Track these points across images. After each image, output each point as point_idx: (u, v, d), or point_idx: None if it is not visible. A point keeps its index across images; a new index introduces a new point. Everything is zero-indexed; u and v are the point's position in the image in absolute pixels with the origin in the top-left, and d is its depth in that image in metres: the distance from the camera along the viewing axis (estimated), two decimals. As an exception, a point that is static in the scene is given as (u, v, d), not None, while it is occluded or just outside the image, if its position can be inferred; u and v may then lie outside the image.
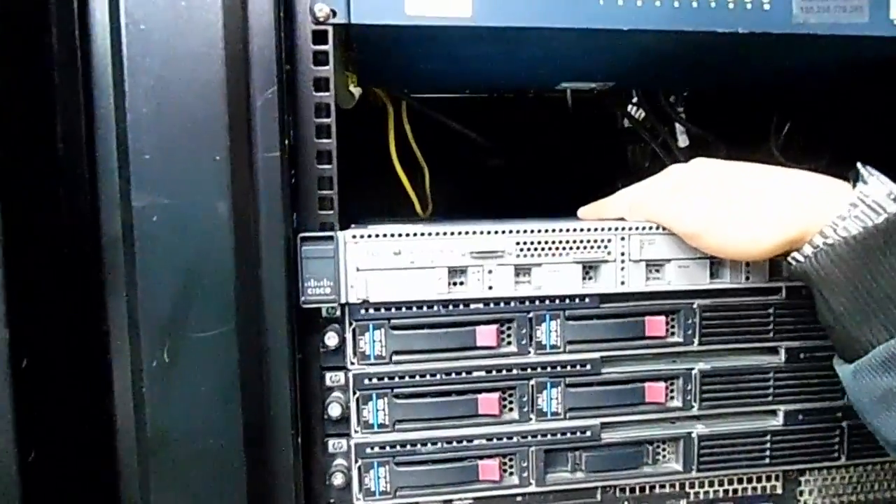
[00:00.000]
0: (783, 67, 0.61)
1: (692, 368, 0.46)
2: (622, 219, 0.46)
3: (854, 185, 0.38)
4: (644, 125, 0.83)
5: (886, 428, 0.35)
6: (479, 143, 0.84)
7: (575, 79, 0.65)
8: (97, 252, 0.37)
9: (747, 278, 0.46)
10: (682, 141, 0.82)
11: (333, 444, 0.44)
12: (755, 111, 0.79)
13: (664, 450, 0.47)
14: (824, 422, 0.48)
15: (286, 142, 0.39)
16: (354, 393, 0.43)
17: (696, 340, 0.46)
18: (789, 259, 0.40)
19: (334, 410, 0.42)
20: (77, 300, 0.38)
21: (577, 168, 1.02)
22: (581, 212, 0.52)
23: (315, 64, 0.42)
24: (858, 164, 0.40)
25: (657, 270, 0.45)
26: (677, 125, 0.82)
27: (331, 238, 0.41)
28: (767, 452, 0.47)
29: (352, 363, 0.43)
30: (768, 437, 0.47)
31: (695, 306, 0.45)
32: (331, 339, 0.42)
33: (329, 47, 0.42)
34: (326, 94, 0.42)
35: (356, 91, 0.53)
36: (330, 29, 0.42)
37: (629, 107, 0.89)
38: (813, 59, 0.56)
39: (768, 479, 0.49)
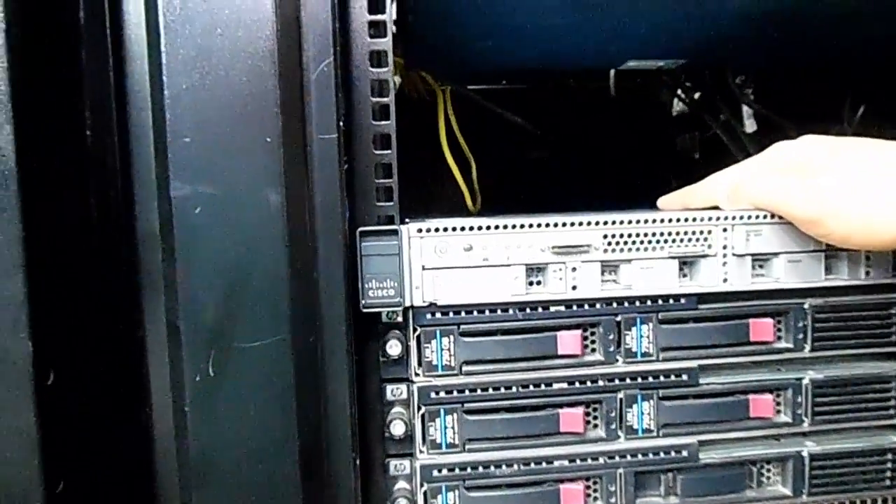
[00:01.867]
0: (858, 40, 0.55)
1: (802, 378, 0.40)
2: (715, 207, 0.41)
3: None
4: (703, 109, 0.77)
5: None
6: (527, 130, 0.79)
7: (643, 56, 0.59)
8: (132, 250, 0.32)
9: (868, 273, 0.40)
10: (750, 126, 0.76)
11: (395, 466, 0.39)
12: (827, 93, 0.73)
13: (769, 471, 0.41)
14: (955, 438, 0.41)
15: (341, 123, 0.34)
16: (419, 408, 0.38)
17: (807, 346, 0.40)
18: None
19: (397, 428, 0.37)
20: (109, 305, 0.33)
21: (622, 159, 0.96)
22: (662, 202, 0.47)
23: (371, 36, 0.37)
24: None
25: (763, 266, 0.39)
26: (744, 108, 0.75)
27: (395, 232, 0.35)
28: (888, 473, 0.41)
29: (416, 374, 0.38)
30: (889, 456, 0.41)
31: (806, 306, 0.40)
32: (393, 348, 0.37)
33: (387, 17, 0.37)
34: (384, 69, 0.37)
35: (397, 80, 0.48)
36: (388, -4, 0.37)
37: (679, 91, 0.83)
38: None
39: (886, 503, 0.42)
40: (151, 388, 0.33)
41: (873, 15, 0.47)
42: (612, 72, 0.80)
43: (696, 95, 0.79)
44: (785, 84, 0.76)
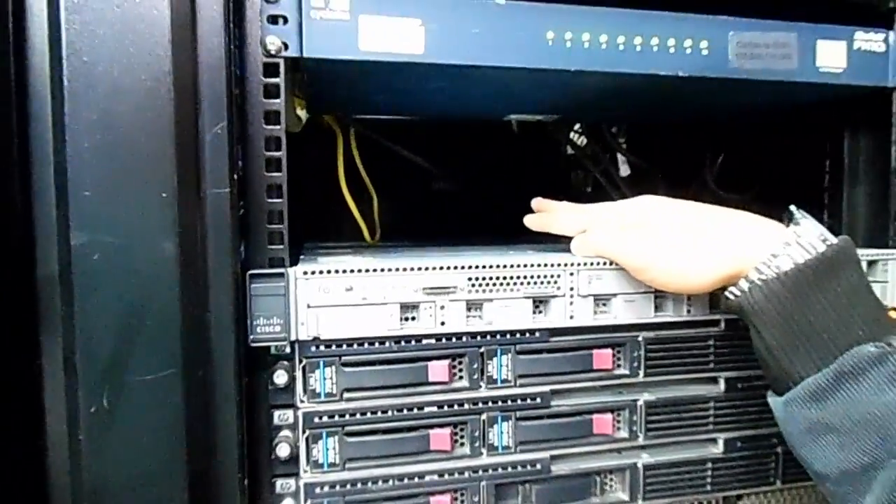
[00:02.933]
0: (718, 106, 0.65)
1: (637, 399, 0.47)
2: (569, 239, 0.48)
3: (788, 226, 0.41)
4: (587, 154, 0.86)
5: (812, 458, 0.37)
6: (426, 168, 0.84)
7: (521, 111, 0.67)
8: (31, 290, 0.35)
9: (689, 311, 0.47)
10: (624, 170, 0.85)
11: (281, 485, 0.43)
12: (691, 144, 0.83)
13: (611, 480, 0.48)
14: (761, 448, 0.50)
15: (235, 176, 0.38)
16: (304, 432, 0.42)
17: (641, 372, 0.47)
18: (726, 293, 0.41)
19: (283, 450, 0.41)
20: (6, 341, 0.36)
21: (520, 192, 1.04)
22: (527, 220, 0.54)
23: (265, 96, 0.41)
24: (792, 207, 0.42)
25: (604, 304, 0.46)
26: (619, 155, 0.84)
27: (281, 275, 0.40)
28: (709, 479, 0.49)
29: (301, 401, 0.42)
30: (709, 465, 0.49)
31: (640, 339, 0.47)
32: (279, 378, 0.41)
33: (281, 80, 0.41)
34: (277, 126, 0.41)
35: (304, 115, 0.53)
36: (281, 62, 0.41)
37: (573, 135, 0.91)
38: (745, 100, 0.60)
39: (709, 504, 0.50)
40: (47, 419, 0.36)
41: (696, 97, 0.56)
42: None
43: (583, 141, 0.88)
44: (655, 135, 0.85)
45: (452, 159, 0.91)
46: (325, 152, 0.67)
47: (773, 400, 0.40)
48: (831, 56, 0.51)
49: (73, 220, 0.34)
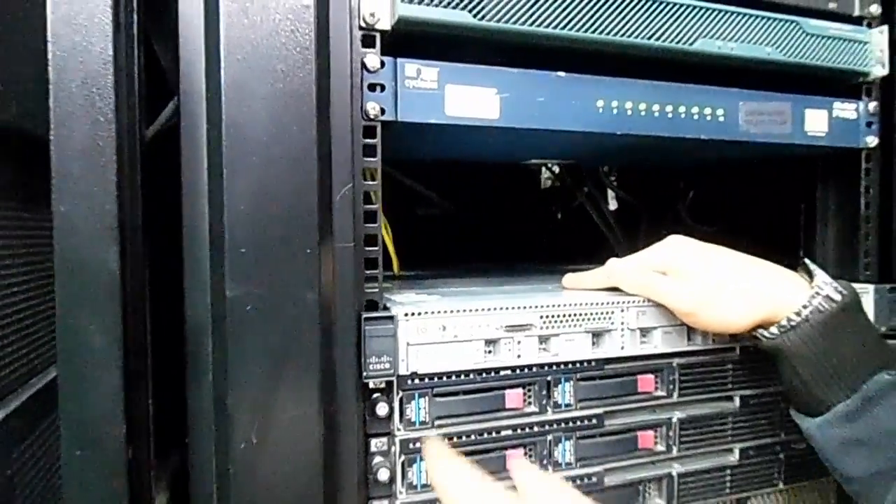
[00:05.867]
0: (714, 158, 0.74)
1: (672, 417, 0.55)
2: (601, 290, 0.55)
3: (806, 276, 0.49)
4: (573, 188, 0.94)
5: (845, 467, 0.46)
6: (434, 201, 0.90)
7: (543, 157, 0.74)
8: (181, 337, 0.39)
9: (713, 341, 0.55)
10: (613, 204, 0.93)
11: (378, 507, 0.47)
12: (668, 182, 0.92)
13: (650, 488, 0.55)
14: (768, 455, 0.58)
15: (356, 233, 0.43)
16: (400, 456, 0.47)
17: (675, 393, 0.55)
18: (761, 334, 0.49)
19: (383, 475, 0.46)
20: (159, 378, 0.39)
21: (506, 222, 1.12)
22: (565, 281, 0.60)
23: (364, 155, 0.46)
24: (806, 260, 0.51)
25: (647, 336, 0.54)
26: (609, 191, 0.93)
27: (391, 318, 0.45)
28: (728, 484, 0.57)
29: (398, 429, 0.47)
30: (728, 471, 0.57)
31: (674, 364, 0.54)
32: (381, 409, 0.46)
33: (378, 141, 0.46)
34: (374, 182, 0.46)
35: None
36: (379, 125, 0.46)
37: (554, 171, 1.00)
38: (741, 154, 0.69)
39: (726, 505, 0.58)
40: (194, 453, 0.39)
41: (698, 151, 0.65)
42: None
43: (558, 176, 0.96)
44: (640, 173, 0.95)
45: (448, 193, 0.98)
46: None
47: (802, 421, 0.48)
48: (816, 122, 0.61)
49: (228, 274, 0.37)
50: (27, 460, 0.34)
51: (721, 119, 0.57)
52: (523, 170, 1.09)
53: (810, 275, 0.49)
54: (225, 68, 0.36)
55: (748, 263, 0.52)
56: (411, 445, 0.47)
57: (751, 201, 0.85)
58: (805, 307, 0.47)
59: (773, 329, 0.48)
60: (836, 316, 0.46)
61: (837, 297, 0.47)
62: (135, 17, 0.38)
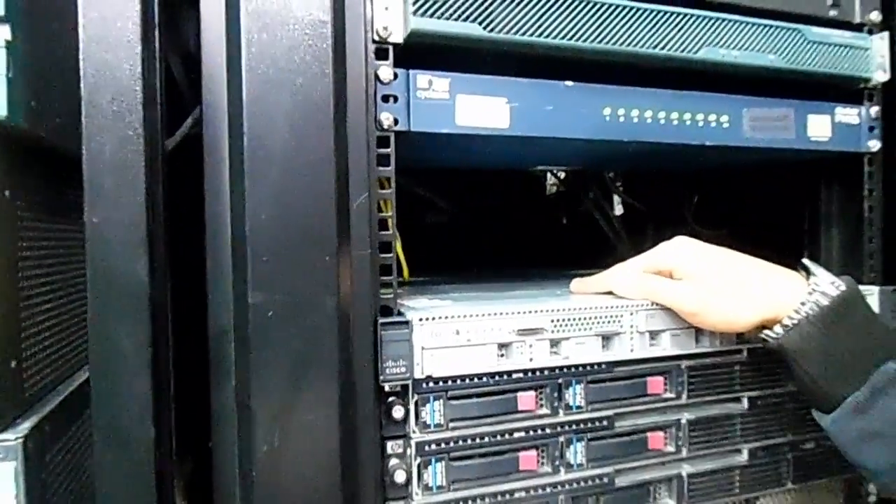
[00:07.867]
0: (719, 162, 0.75)
1: (680, 419, 0.56)
2: (609, 293, 0.56)
3: (805, 275, 0.50)
4: (579, 194, 0.95)
5: (865, 460, 0.47)
6: (442, 208, 0.91)
7: (550, 164, 0.75)
8: (203, 343, 0.40)
9: (721, 343, 0.56)
10: (618, 209, 0.95)
11: (395, 508, 0.48)
12: (673, 187, 0.93)
13: (660, 488, 0.56)
14: (776, 455, 0.59)
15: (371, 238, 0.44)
16: (416, 459, 0.48)
17: (684, 395, 0.55)
18: (765, 335, 0.50)
19: (399, 476, 0.47)
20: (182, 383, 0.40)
21: (512, 227, 1.13)
22: (573, 286, 0.61)
23: (378, 165, 0.47)
24: (805, 260, 0.52)
25: (655, 338, 0.55)
26: (615, 196, 0.94)
27: (407, 323, 0.46)
28: (737, 484, 0.58)
29: (413, 432, 0.48)
30: (737, 472, 0.58)
31: (683, 366, 0.55)
32: (397, 412, 0.47)
33: (391, 150, 0.47)
34: (388, 191, 0.48)
35: None
36: (392, 135, 0.47)
37: (559, 177, 1.01)
38: (746, 159, 0.70)
39: (734, 505, 0.59)
40: (217, 461, 0.40)
41: (703, 156, 0.66)
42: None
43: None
44: (645, 179, 0.96)
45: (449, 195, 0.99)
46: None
47: (820, 418, 0.49)
48: (819, 127, 0.62)
49: (251, 281, 0.39)
50: (59, 462, 0.35)
51: (725, 125, 0.58)
52: (529, 176, 1.10)
53: (810, 274, 0.50)
54: (247, 82, 0.38)
55: (749, 264, 0.53)
56: (426, 448, 0.48)
57: (755, 206, 0.86)
58: (803, 304, 0.48)
59: (777, 329, 0.49)
60: (834, 310, 0.47)
61: (834, 292, 0.48)
62: (156, 33, 0.39)
